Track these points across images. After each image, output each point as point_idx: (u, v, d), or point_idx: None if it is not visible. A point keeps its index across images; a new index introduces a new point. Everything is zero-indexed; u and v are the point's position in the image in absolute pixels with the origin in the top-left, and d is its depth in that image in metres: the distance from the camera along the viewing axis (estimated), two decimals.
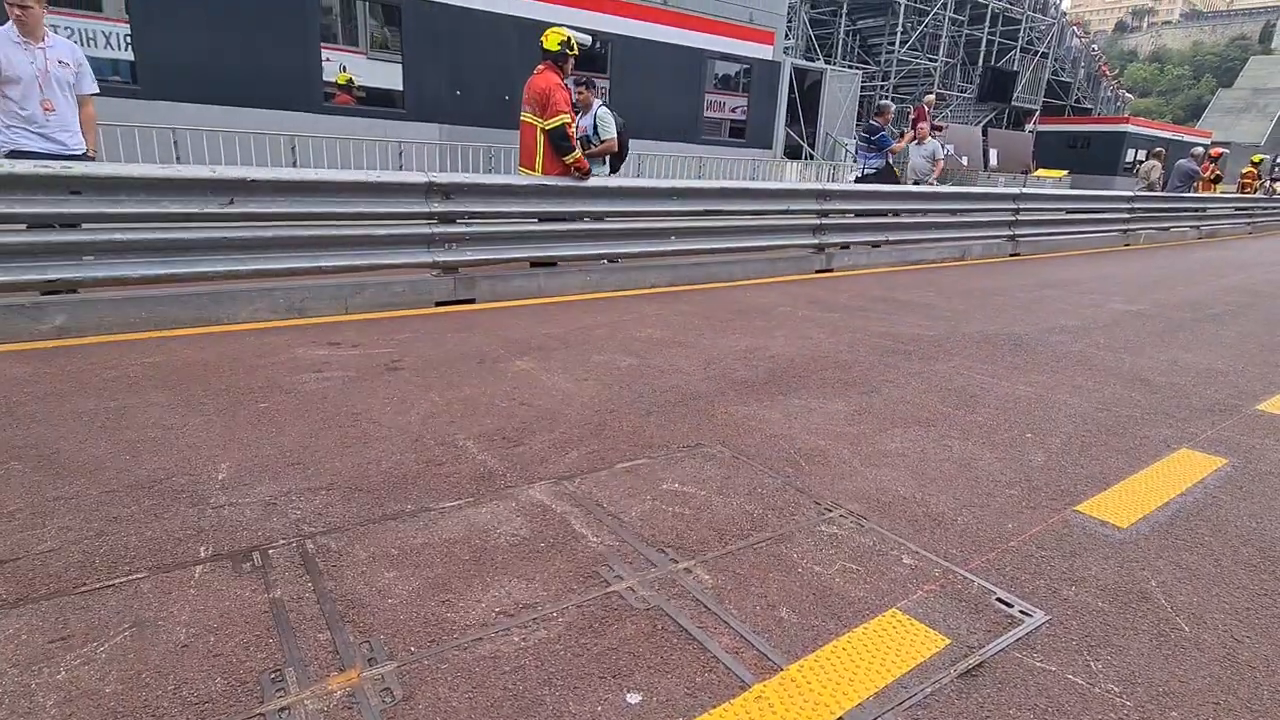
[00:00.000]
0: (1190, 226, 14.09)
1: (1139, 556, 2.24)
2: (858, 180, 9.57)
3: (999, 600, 1.95)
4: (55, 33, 4.39)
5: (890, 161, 9.56)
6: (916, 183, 10.41)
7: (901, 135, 10.49)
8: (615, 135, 6.55)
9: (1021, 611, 1.91)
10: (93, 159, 4.50)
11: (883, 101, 10.45)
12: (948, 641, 1.77)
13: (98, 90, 4.56)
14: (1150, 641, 1.83)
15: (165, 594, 1.79)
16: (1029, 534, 2.33)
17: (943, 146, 10.80)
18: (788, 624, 1.81)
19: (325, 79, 9.95)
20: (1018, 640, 1.80)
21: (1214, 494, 2.72)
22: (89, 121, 4.52)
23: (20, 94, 4.17)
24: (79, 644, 1.60)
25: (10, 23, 4.14)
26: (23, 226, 3.93)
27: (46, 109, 4.24)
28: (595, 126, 6.54)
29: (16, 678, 1.50)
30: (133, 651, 1.59)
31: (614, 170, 7.04)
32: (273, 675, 1.54)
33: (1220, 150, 18.25)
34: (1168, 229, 13.40)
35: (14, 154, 4.16)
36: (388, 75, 10.61)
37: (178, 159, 7.99)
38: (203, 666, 1.56)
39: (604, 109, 6.62)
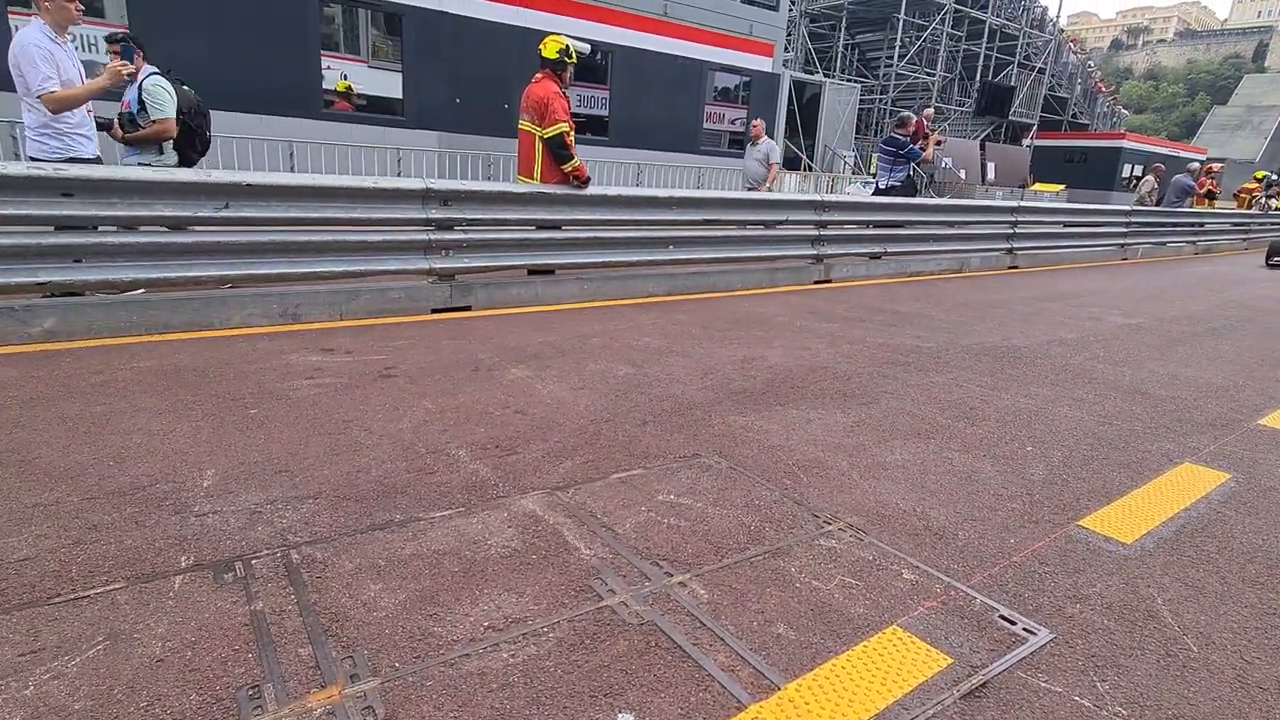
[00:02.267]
0: (1187, 242, 14.12)
1: (1144, 573, 2.19)
2: (880, 194, 9.19)
3: (1002, 618, 1.90)
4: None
5: (911, 173, 9.37)
6: (750, 188, 9.37)
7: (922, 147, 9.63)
8: (171, 116, 4.91)
9: (1025, 629, 1.86)
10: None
11: (904, 113, 9.67)
12: (950, 661, 1.71)
13: None
14: (1158, 662, 1.78)
15: (142, 605, 1.73)
16: (1031, 549, 2.28)
17: (943, 160, 10.55)
18: (785, 641, 1.76)
19: (326, 87, 9.95)
20: (1022, 660, 1.74)
21: (1218, 509, 2.68)
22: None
23: None
24: (50, 657, 1.54)
25: (41, 23, 4.01)
26: (15, 228, 3.89)
27: (89, 112, 4.22)
28: (140, 102, 4.84)
29: None
30: (105, 666, 1.53)
31: (187, 162, 5.20)
32: (250, 691, 1.48)
33: (1216, 166, 18.30)
34: (1164, 244, 13.42)
35: (73, 160, 4.16)
36: (388, 83, 10.61)
37: None
38: (177, 682, 1.50)
39: (155, 78, 4.88)
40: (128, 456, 2.54)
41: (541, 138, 5.58)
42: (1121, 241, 12.07)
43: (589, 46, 5.86)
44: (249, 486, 2.38)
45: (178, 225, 4.30)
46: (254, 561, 1.95)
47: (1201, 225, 14.57)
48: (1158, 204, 14.87)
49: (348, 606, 1.78)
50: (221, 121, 8.66)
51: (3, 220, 3.79)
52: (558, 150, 5.56)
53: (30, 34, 3.97)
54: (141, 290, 4.29)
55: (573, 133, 5.69)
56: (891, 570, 2.10)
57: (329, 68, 10.08)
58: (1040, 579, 2.11)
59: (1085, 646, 1.81)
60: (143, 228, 4.27)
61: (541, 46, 5.65)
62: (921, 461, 2.94)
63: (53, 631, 1.62)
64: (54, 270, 3.95)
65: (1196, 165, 16.14)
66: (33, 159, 4.18)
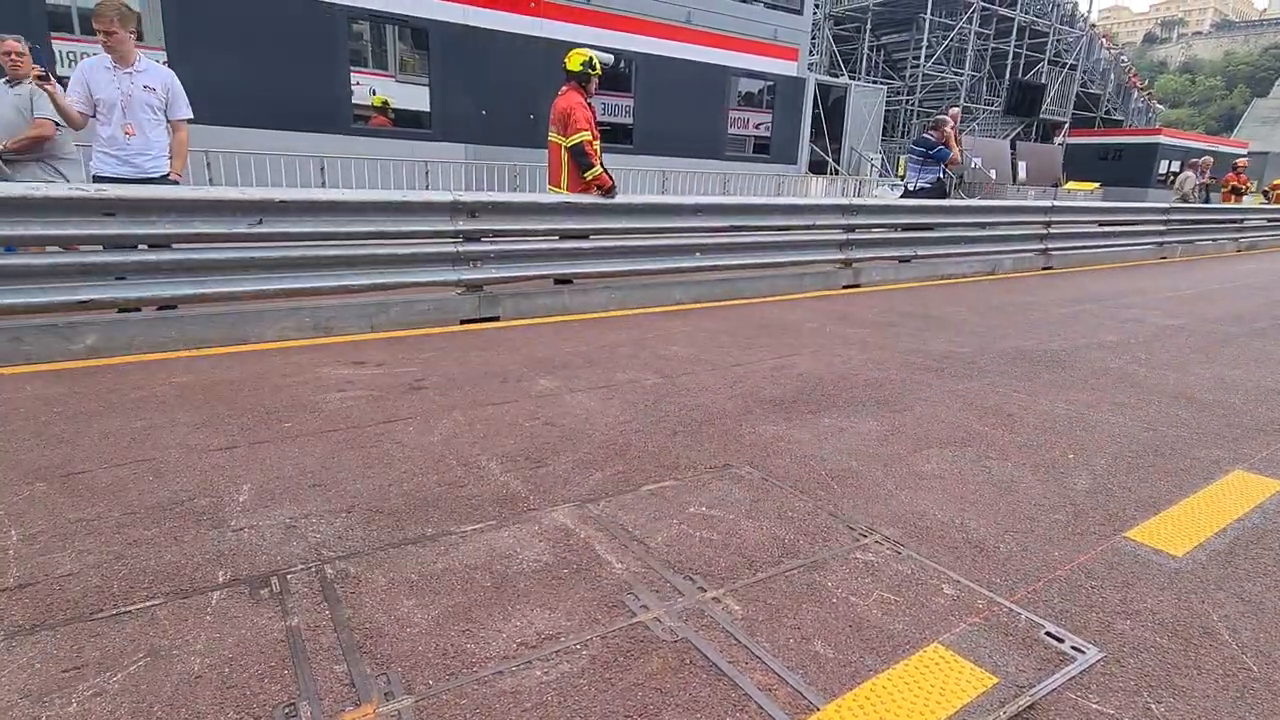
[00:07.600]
0: (1229, 239, 13.70)
1: (1198, 588, 2.10)
2: (910, 196, 9.05)
3: (1049, 635, 1.84)
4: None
5: (941, 175, 9.21)
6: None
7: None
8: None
9: (1074, 647, 1.79)
10: (175, 182, 4.58)
11: (940, 116, 9.40)
12: (995, 680, 1.66)
13: (190, 115, 4.65)
14: (1216, 682, 1.70)
15: (181, 621, 1.75)
16: (1077, 562, 2.21)
17: (973, 160, 10.24)
18: (823, 659, 1.72)
19: (355, 102, 10.12)
20: (1071, 679, 1.68)
21: (1274, 519, 2.57)
22: (180, 146, 4.63)
23: (104, 117, 4.38)
24: (92, 674, 1.57)
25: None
26: (56, 249, 4.00)
27: (127, 133, 4.39)
28: None
29: (28, 709, 1.46)
30: (145, 682, 1.55)
31: None
32: (286, 709, 1.48)
33: (1210, 160, 17.57)
34: (1211, 241, 13.05)
35: (96, 178, 4.38)
36: (416, 97, 10.78)
37: (211, 181, 8.15)
38: (215, 699, 1.51)
39: None
40: (167, 471, 2.59)
41: (565, 147, 5.61)
42: (1160, 240, 11.74)
43: (612, 57, 5.89)
44: (284, 500, 2.40)
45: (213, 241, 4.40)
46: (289, 577, 1.96)
47: (1243, 222, 14.14)
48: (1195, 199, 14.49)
49: (382, 622, 1.78)
50: (253, 138, 8.88)
51: (50, 241, 3.90)
52: (579, 159, 5.59)
53: (90, 59, 4.34)
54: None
55: (597, 141, 5.71)
56: (931, 585, 2.05)
57: (357, 83, 10.26)
58: (1088, 594, 2.04)
59: (1138, 665, 1.74)
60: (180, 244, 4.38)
61: (566, 60, 5.69)
62: (959, 471, 2.87)
63: (95, 648, 1.65)
64: (96, 288, 4.05)
65: (1209, 159, 15.73)
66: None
